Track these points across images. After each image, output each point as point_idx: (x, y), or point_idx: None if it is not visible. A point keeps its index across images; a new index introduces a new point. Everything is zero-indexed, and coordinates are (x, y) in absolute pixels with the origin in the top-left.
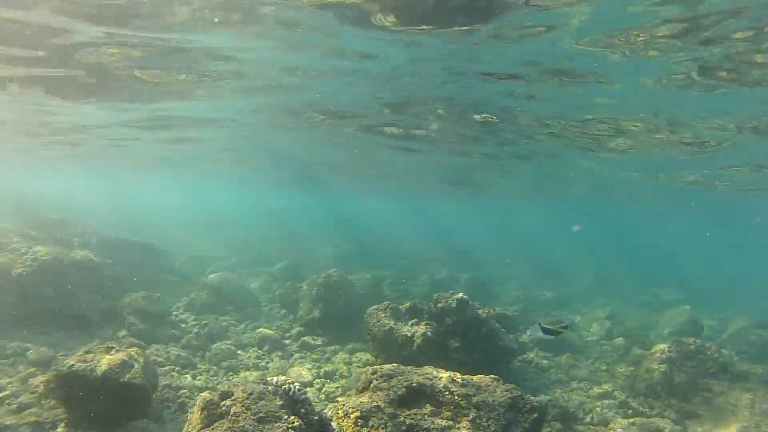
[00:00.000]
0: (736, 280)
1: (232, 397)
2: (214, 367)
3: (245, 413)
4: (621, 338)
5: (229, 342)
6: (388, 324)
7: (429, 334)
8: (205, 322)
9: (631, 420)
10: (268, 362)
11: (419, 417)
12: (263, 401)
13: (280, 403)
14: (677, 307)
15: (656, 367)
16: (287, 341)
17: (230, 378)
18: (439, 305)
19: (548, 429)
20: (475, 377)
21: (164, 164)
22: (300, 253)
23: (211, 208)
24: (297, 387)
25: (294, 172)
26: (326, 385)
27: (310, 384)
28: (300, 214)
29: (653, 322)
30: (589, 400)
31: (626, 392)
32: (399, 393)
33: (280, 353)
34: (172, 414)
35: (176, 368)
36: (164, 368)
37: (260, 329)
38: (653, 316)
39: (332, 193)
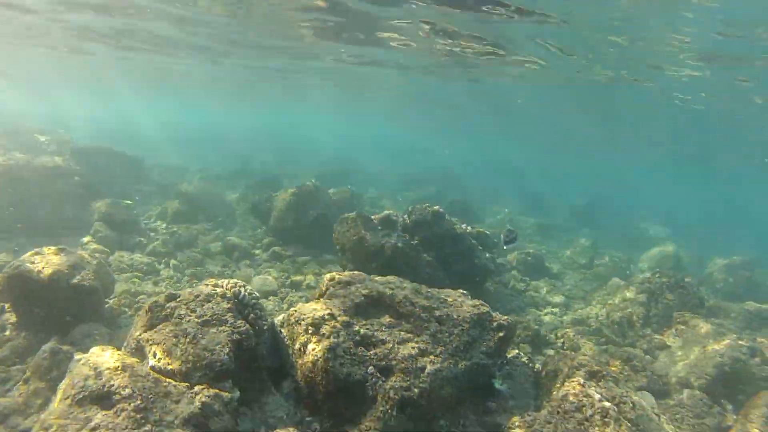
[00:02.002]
0: (724, 219)
1: (178, 299)
2: (178, 275)
3: (189, 315)
4: (602, 267)
5: (197, 250)
6: (358, 234)
7: (400, 245)
8: (174, 229)
9: (603, 347)
10: (234, 271)
11: (375, 327)
12: (210, 304)
13: (228, 306)
14: (662, 243)
15: (633, 297)
16: (257, 251)
17: (193, 286)
18: (413, 217)
19: (517, 352)
20: (443, 290)
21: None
22: (286, 167)
23: (203, 123)
24: (248, 291)
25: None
26: (290, 295)
27: (275, 293)
28: (293, 130)
29: (636, 257)
30: (562, 325)
31: (601, 320)
32: (356, 301)
33: (247, 262)
34: (128, 319)
35: (138, 275)
36: (126, 274)
37: (229, 237)
38: (637, 251)
39: (327, 110)
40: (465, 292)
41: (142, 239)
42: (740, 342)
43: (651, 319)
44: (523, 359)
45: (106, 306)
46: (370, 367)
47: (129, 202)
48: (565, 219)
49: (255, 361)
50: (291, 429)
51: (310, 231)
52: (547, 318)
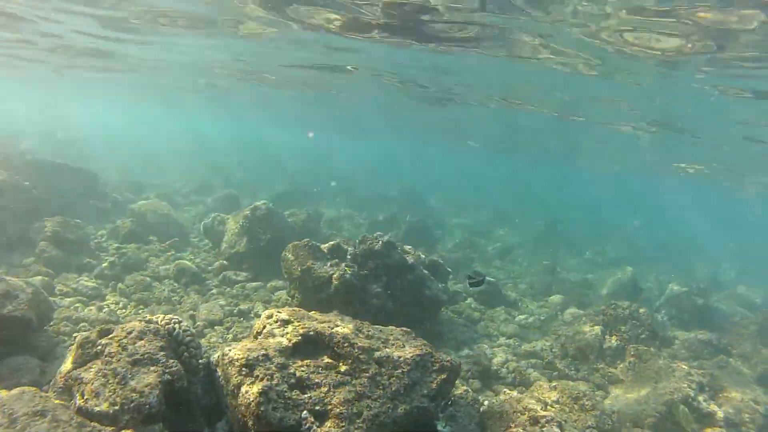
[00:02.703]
0: (683, 243)
1: (110, 336)
2: (124, 300)
3: (120, 354)
4: (559, 295)
5: (146, 273)
6: (305, 264)
7: (347, 276)
8: (123, 251)
9: (554, 383)
10: (182, 296)
11: (312, 369)
12: (142, 341)
13: (161, 344)
14: (620, 267)
15: (587, 329)
16: (208, 275)
17: (139, 311)
18: (363, 247)
19: (465, 388)
20: (386, 329)
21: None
22: (247, 184)
23: (167, 136)
24: (183, 327)
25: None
26: (236, 325)
27: (220, 322)
28: (258, 145)
29: (595, 281)
30: (514, 358)
31: (555, 353)
32: (293, 341)
33: (197, 287)
34: (66, 349)
35: (82, 299)
36: (69, 299)
37: (179, 261)
38: (596, 274)
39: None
40: (408, 330)
41: (91, 260)
42: (690, 377)
43: (605, 351)
44: (468, 399)
45: (45, 334)
46: (305, 412)
47: (77, 220)
48: (527, 240)
49: (188, 401)
50: None
51: (263, 255)
52: (499, 351)
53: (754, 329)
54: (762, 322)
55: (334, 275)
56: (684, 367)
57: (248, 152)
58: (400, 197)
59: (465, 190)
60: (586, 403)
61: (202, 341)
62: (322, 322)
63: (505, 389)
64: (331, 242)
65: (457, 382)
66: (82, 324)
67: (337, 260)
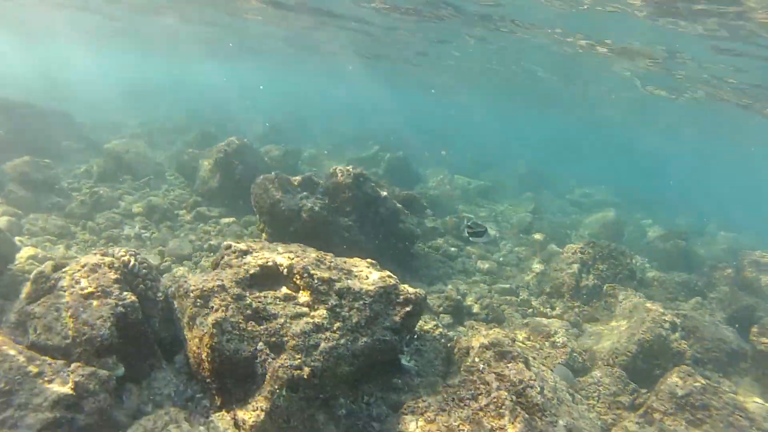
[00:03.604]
0: (668, 188)
1: (64, 269)
2: (94, 238)
3: (73, 287)
4: (540, 234)
5: (117, 211)
6: (275, 196)
7: (317, 209)
8: (95, 189)
9: (526, 320)
10: (153, 233)
11: (269, 300)
12: (96, 274)
13: (115, 277)
14: (603, 209)
15: (565, 267)
16: (181, 212)
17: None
18: (333, 179)
19: (435, 323)
20: (351, 260)
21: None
22: (231, 124)
23: (149, 79)
24: (139, 259)
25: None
26: (204, 260)
27: (189, 257)
28: (247, 86)
29: (577, 222)
30: (489, 295)
31: (532, 290)
32: (251, 272)
33: (169, 224)
34: None
35: (51, 238)
36: (37, 238)
37: (150, 198)
38: (579, 216)
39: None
40: (374, 261)
41: (61, 200)
42: (664, 317)
43: (581, 289)
44: (436, 334)
45: (8, 273)
46: (260, 344)
47: (47, 160)
48: (510, 182)
49: (145, 334)
50: (172, 409)
51: (237, 191)
52: (475, 287)
53: (730, 272)
54: (737, 265)
55: (304, 208)
56: (659, 307)
57: (233, 95)
58: (383, 138)
59: (453, 134)
60: (558, 340)
61: (168, 276)
62: (282, 253)
63: (475, 325)
64: (302, 175)
65: (427, 317)
66: (48, 262)
67: (307, 193)
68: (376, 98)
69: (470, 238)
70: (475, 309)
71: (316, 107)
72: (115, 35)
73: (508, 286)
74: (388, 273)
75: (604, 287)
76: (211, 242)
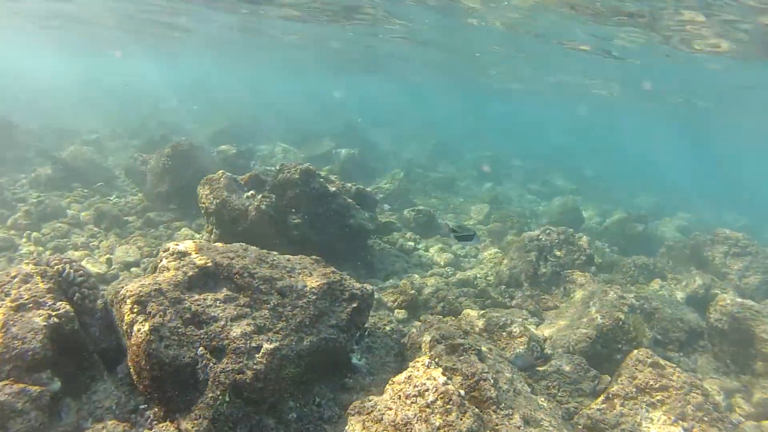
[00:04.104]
0: (629, 173)
1: None
2: (40, 248)
3: (2, 300)
4: (498, 223)
5: (65, 220)
6: (220, 196)
7: (264, 207)
8: (41, 199)
9: (483, 311)
10: (101, 241)
11: (208, 303)
12: (27, 285)
13: (48, 287)
14: (563, 196)
15: (522, 255)
16: (131, 217)
17: None
18: (281, 176)
19: (389, 318)
20: (294, 258)
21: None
22: (186, 124)
23: (103, 83)
24: (75, 267)
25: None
26: (152, 266)
27: (137, 264)
28: (202, 84)
29: (536, 210)
30: (446, 287)
31: (490, 280)
32: (189, 274)
33: (118, 230)
34: None
35: None
36: None
37: (98, 205)
38: (538, 204)
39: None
40: (319, 258)
41: (5, 211)
42: (622, 301)
43: (540, 277)
44: (387, 330)
45: None
46: (201, 348)
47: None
48: (470, 173)
49: (83, 345)
50: (112, 423)
51: (187, 194)
52: (431, 280)
53: (687, 252)
54: (694, 245)
55: (250, 207)
56: (617, 291)
57: (187, 95)
58: (340, 132)
59: (410, 124)
60: (515, 330)
61: (114, 283)
62: (222, 253)
63: (428, 319)
64: (249, 173)
65: (382, 312)
66: None
67: (254, 192)
68: (331, 90)
69: (459, 242)
70: (432, 303)
71: (273, 104)
72: (68, 37)
73: (465, 277)
74: (332, 269)
75: (563, 274)
76: (161, 248)
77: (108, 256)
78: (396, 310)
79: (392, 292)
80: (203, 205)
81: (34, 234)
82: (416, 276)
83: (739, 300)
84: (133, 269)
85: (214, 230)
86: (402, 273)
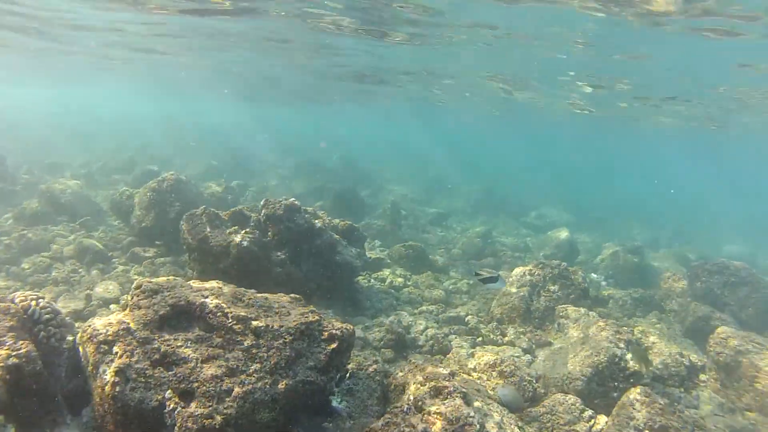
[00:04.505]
0: (624, 205)
1: None
2: (19, 284)
3: None
4: (491, 258)
5: (46, 254)
6: (204, 231)
7: (246, 243)
8: (24, 233)
9: (472, 350)
10: (83, 276)
11: (180, 343)
12: None
13: (10, 324)
14: (557, 229)
15: (514, 291)
16: (115, 253)
17: None
18: (264, 211)
19: (375, 357)
20: (273, 296)
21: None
22: (176, 160)
23: (97, 117)
24: (42, 305)
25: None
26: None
27: (117, 300)
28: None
29: (532, 244)
30: (436, 325)
31: (481, 317)
32: (161, 312)
33: (101, 266)
34: None
35: None
36: None
37: (82, 240)
38: (533, 238)
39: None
40: (298, 297)
41: None
42: (618, 336)
43: (533, 313)
44: (370, 371)
45: None
46: (169, 391)
47: None
48: (465, 207)
49: (45, 386)
50: None
51: (173, 229)
52: (420, 317)
53: (684, 283)
54: (691, 276)
55: (232, 243)
56: (613, 327)
57: (182, 130)
58: (334, 167)
59: (406, 159)
60: (505, 369)
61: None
62: (196, 291)
63: (413, 359)
64: (233, 209)
65: (367, 352)
66: None
67: (237, 228)
68: (330, 128)
69: (483, 284)
70: (420, 341)
71: (269, 140)
72: (60, 70)
73: (456, 314)
74: (312, 308)
75: (556, 309)
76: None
77: (88, 291)
78: (382, 350)
79: (379, 331)
80: (185, 241)
81: (13, 268)
82: (405, 313)
83: (740, 332)
84: (112, 306)
85: (196, 266)
86: (391, 310)
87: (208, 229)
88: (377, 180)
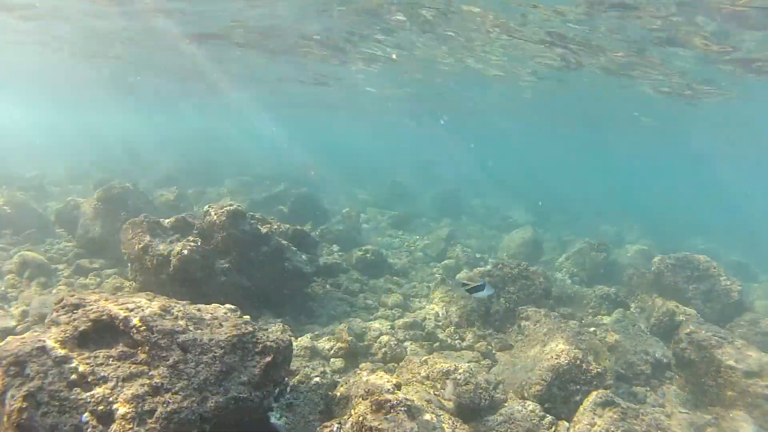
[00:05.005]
0: (587, 202)
1: None
2: None
3: None
4: (451, 260)
5: None
6: (144, 241)
7: (186, 252)
8: None
9: (425, 357)
10: (21, 291)
11: (101, 361)
12: None
13: None
14: (521, 228)
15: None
16: (61, 266)
17: None
18: (208, 219)
19: (322, 369)
20: (207, 307)
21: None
22: (133, 171)
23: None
24: None
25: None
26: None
27: None
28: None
29: (495, 245)
30: (391, 331)
31: (439, 322)
32: (81, 329)
33: (44, 279)
34: None
35: None
36: None
37: (23, 253)
38: (497, 239)
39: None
40: (234, 307)
41: None
42: (580, 337)
43: (493, 316)
44: (312, 383)
45: None
46: (86, 414)
47: None
48: (427, 210)
49: None
50: None
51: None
52: (376, 324)
53: (650, 279)
54: (656, 271)
55: (173, 252)
56: (574, 326)
57: (138, 140)
58: (293, 174)
59: (368, 164)
60: (459, 377)
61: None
62: (121, 305)
63: (358, 370)
64: (174, 216)
65: (316, 362)
66: None
67: (179, 236)
68: (291, 135)
69: (470, 294)
70: (373, 349)
71: (229, 148)
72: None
73: (413, 319)
74: (245, 320)
75: (517, 311)
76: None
77: (24, 307)
78: (332, 359)
79: (329, 339)
80: (125, 251)
81: None
82: (359, 320)
83: (704, 327)
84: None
85: (138, 277)
86: (345, 317)
87: (148, 238)
88: (339, 185)
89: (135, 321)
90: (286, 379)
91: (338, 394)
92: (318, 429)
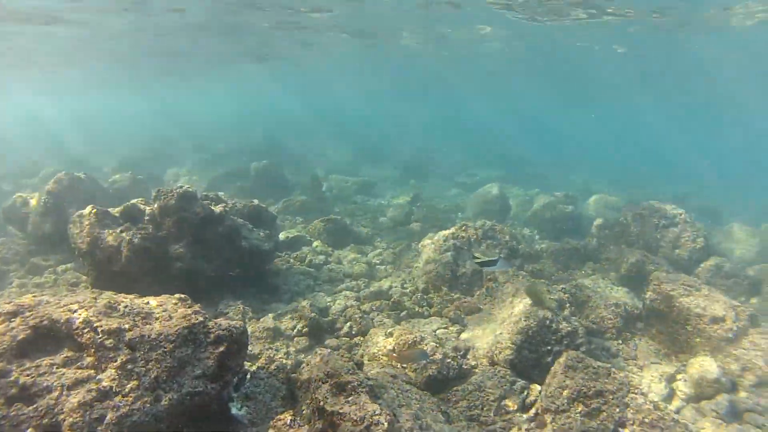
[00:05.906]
0: (558, 155)
1: None
2: None
3: None
4: (418, 223)
5: None
6: (93, 233)
7: (136, 240)
8: None
9: (391, 329)
10: None
11: (42, 370)
12: None
13: None
14: (487, 185)
15: (438, 257)
16: (12, 266)
17: None
18: (158, 203)
19: (285, 351)
20: (154, 299)
21: None
22: (90, 159)
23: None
24: None
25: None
26: None
27: None
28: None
29: (461, 205)
30: (356, 303)
31: (406, 289)
32: (20, 337)
33: None
34: None
35: None
36: None
37: None
38: (464, 198)
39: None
40: (184, 296)
41: None
42: (549, 296)
43: (460, 279)
44: (272, 369)
45: None
46: (29, 430)
47: None
48: (393, 173)
49: None
50: None
51: None
52: (340, 297)
53: (618, 230)
54: (624, 222)
55: (123, 242)
56: (542, 285)
57: (94, 125)
58: (257, 148)
59: (332, 130)
60: (426, 347)
61: None
62: (63, 307)
63: (318, 351)
64: (124, 204)
65: (279, 343)
66: None
67: (129, 224)
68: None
69: (485, 269)
70: (339, 323)
71: (188, 125)
72: None
73: (378, 288)
74: (196, 309)
75: (484, 272)
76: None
77: None
78: (296, 338)
79: (291, 318)
80: (75, 246)
81: None
82: (323, 294)
83: (671, 275)
84: None
85: (91, 272)
86: (309, 292)
87: (98, 230)
88: (302, 155)
89: (78, 323)
90: (246, 366)
91: (300, 377)
92: (272, 422)
